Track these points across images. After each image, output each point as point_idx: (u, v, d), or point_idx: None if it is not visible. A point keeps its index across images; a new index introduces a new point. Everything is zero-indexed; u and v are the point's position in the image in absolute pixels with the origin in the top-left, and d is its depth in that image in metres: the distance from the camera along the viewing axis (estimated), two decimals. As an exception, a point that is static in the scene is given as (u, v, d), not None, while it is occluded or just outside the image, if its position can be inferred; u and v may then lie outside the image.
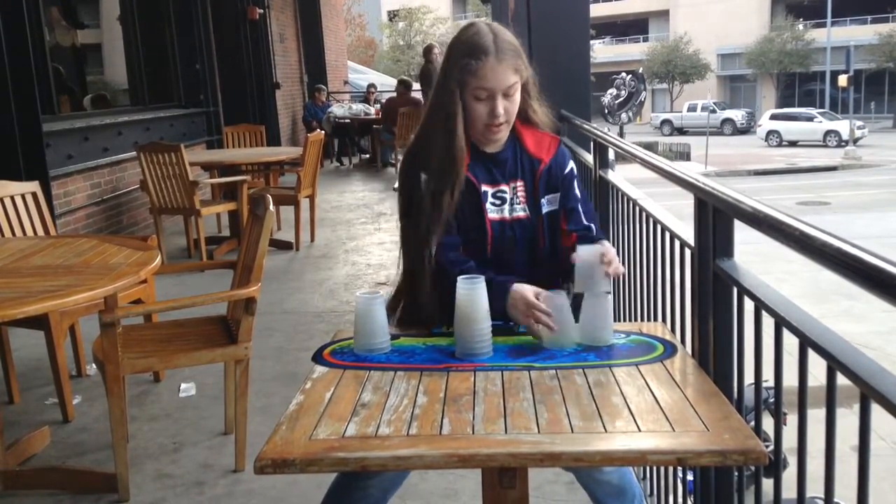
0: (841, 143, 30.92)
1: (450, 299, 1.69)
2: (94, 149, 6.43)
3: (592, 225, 1.97)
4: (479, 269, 1.82)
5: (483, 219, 1.90)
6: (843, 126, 31.94)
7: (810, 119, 34.06)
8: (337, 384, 1.53)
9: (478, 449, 1.27)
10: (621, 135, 24.15)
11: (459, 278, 1.67)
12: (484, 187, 1.91)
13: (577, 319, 1.71)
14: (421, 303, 1.86)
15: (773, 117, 35.00)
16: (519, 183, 1.93)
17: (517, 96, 1.86)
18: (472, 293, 1.64)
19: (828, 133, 32.78)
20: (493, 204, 1.91)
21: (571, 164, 1.99)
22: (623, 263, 2.79)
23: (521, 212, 1.93)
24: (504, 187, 1.92)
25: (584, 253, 1.73)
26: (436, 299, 1.83)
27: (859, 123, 32.45)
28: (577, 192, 1.97)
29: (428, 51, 11.29)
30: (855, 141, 29.66)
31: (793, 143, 32.97)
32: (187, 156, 5.80)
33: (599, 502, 1.97)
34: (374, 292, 1.71)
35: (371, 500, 1.85)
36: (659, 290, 2.21)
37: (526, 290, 1.74)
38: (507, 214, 1.92)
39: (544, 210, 1.93)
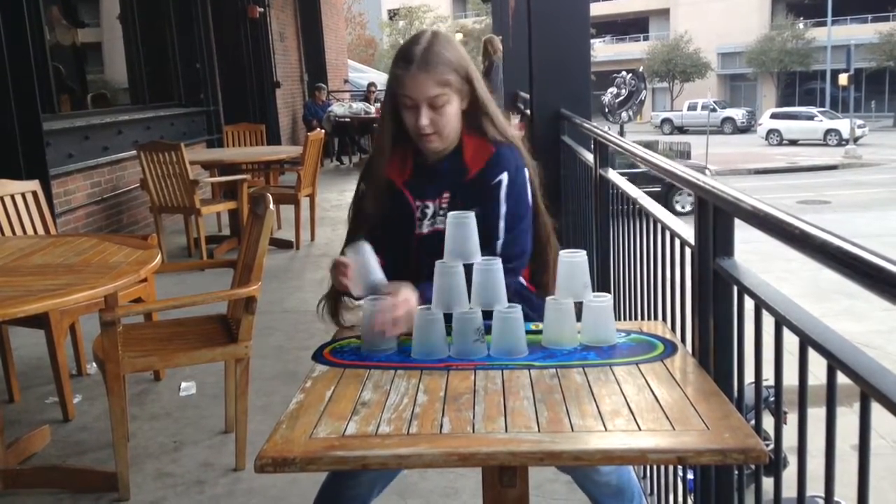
0: (841, 142, 30.91)
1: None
2: (95, 148, 6.43)
3: (499, 241, 1.85)
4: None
5: (413, 232, 1.91)
6: (843, 125, 31.93)
7: (811, 118, 34.04)
8: (337, 383, 1.53)
9: (478, 448, 1.27)
10: (622, 133, 24.15)
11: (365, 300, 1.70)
12: (417, 202, 1.92)
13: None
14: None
15: (774, 116, 34.99)
16: (446, 195, 1.90)
17: (449, 108, 1.83)
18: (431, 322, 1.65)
19: (828, 132, 32.77)
20: (418, 220, 1.92)
21: (502, 177, 1.86)
22: (623, 262, 2.80)
23: (440, 224, 1.87)
24: (429, 202, 1.91)
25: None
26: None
27: (860, 122, 32.44)
28: (501, 206, 1.86)
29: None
30: (855, 140, 29.65)
31: (793, 142, 32.96)
32: (187, 155, 5.80)
33: (596, 501, 1.97)
34: (381, 296, 1.70)
35: (360, 496, 1.85)
36: (659, 288, 2.21)
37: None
38: (424, 229, 1.91)
39: None
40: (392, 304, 1.67)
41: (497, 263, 1.68)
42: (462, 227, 1.71)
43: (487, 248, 1.81)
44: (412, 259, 1.91)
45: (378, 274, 1.77)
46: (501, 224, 1.88)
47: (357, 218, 1.99)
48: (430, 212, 1.91)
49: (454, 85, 1.83)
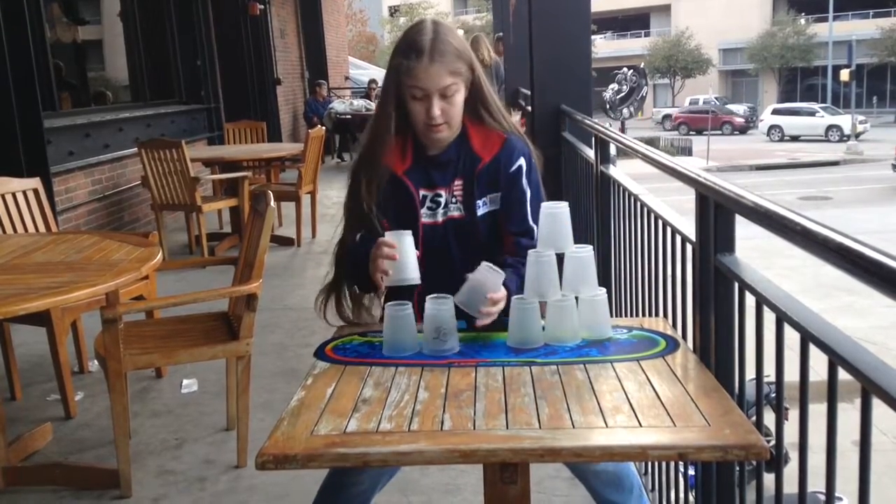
0: (843, 138, 30.87)
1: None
2: (95, 145, 6.43)
3: (535, 227, 1.87)
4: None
5: (416, 222, 1.88)
6: (844, 121, 31.90)
7: (812, 114, 34.00)
8: (338, 380, 1.53)
9: (479, 444, 1.27)
10: (623, 130, 24.12)
11: (387, 305, 1.69)
12: (422, 191, 1.90)
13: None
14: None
15: (775, 112, 34.95)
16: (458, 182, 1.90)
17: (457, 98, 1.83)
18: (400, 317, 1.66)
19: (830, 128, 32.73)
20: (428, 208, 1.90)
21: (520, 162, 1.90)
22: (624, 259, 2.80)
23: (455, 212, 1.89)
24: (441, 191, 1.90)
25: (479, 276, 1.69)
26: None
27: (861, 118, 32.39)
28: (525, 190, 1.90)
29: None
30: (857, 135, 29.61)
31: (794, 138, 32.91)
32: (188, 152, 5.80)
33: (596, 492, 1.97)
34: (404, 303, 1.68)
35: (362, 493, 1.86)
36: (660, 285, 2.21)
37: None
38: (439, 218, 1.90)
39: (480, 211, 1.89)
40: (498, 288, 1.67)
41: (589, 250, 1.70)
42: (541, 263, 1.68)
43: (524, 234, 1.87)
44: (421, 248, 1.87)
45: (415, 271, 1.74)
46: (528, 210, 1.90)
47: (353, 213, 1.94)
48: (442, 200, 1.90)
49: (463, 74, 1.83)
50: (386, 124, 1.87)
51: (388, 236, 1.75)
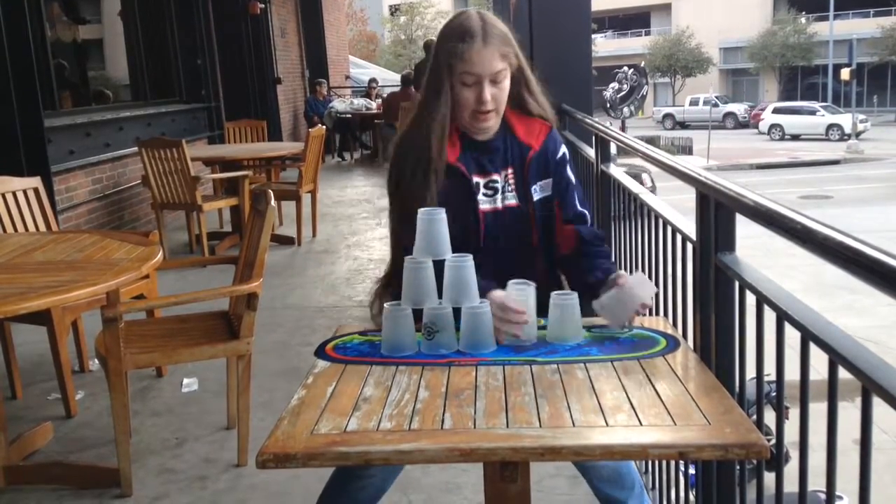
0: (843, 137, 30.85)
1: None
2: (96, 144, 6.43)
3: (586, 211, 1.95)
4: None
5: (475, 210, 1.87)
6: (845, 120, 31.88)
7: (813, 113, 33.99)
8: (339, 379, 1.53)
9: (479, 443, 1.27)
10: (623, 129, 24.11)
11: (386, 305, 1.64)
12: (475, 178, 1.89)
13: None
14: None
15: (776, 111, 34.93)
16: (510, 171, 1.90)
17: (506, 84, 1.84)
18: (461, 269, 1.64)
19: (830, 127, 32.70)
20: (485, 195, 1.89)
21: (564, 150, 1.96)
22: (625, 258, 2.80)
23: (511, 200, 1.91)
24: (496, 177, 1.90)
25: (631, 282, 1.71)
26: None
27: (862, 117, 32.37)
28: (571, 176, 1.95)
29: (428, 46, 11.30)
30: (858, 134, 29.59)
31: (795, 137, 32.90)
32: (189, 151, 5.80)
33: (597, 489, 1.98)
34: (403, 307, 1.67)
35: (370, 491, 1.86)
36: (661, 284, 2.21)
37: (498, 295, 1.68)
38: (499, 204, 1.90)
39: (535, 197, 1.90)
40: (504, 306, 1.64)
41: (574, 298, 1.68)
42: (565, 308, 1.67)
43: (579, 220, 1.91)
44: (474, 237, 1.86)
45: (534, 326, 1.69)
46: (576, 195, 1.94)
47: (404, 212, 1.82)
48: (499, 186, 1.90)
49: (511, 59, 1.83)
50: (440, 114, 1.82)
51: (511, 298, 1.66)
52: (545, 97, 1.96)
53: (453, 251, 1.70)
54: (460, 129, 1.89)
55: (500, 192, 1.90)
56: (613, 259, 3.06)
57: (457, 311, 1.64)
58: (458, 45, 1.78)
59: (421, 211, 1.68)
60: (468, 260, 1.64)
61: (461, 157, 1.87)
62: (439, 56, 1.83)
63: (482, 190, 1.89)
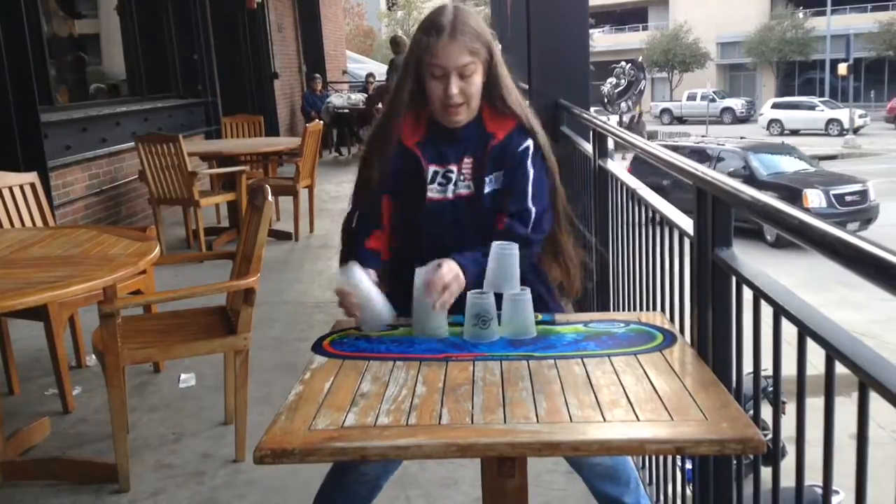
0: (843, 132, 30.82)
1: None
2: (93, 139, 6.42)
3: (533, 209, 1.89)
4: (412, 250, 1.86)
5: (423, 197, 1.89)
6: (845, 115, 31.83)
7: (812, 108, 33.96)
8: (336, 374, 1.53)
9: (477, 438, 1.27)
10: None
11: (417, 269, 1.71)
12: (432, 167, 1.90)
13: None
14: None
15: (775, 106, 34.89)
16: (468, 160, 1.90)
17: (476, 78, 1.84)
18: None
19: (830, 122, 32.66)
20: (439, 184, 1.90)
21: (529, 143, 1.91)
22: (622, 253, 2.80)
23: (464, 189, 1.90)
24: (452, 167, 1.90)
25: (421, 272, 1.72)
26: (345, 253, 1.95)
27: (861, 112, 32.35)
28: (530, 169, 1.90)
29: (394, 41, 11.39)
30: (856, 130, 29.57)
31: (794, 132, 32.86)
32: (186, 146, 5.79)
33: (592, 486, 1.98)
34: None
35: (366, 485, 1.87)
36: (658, 279, 2.21)
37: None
38: (449, 194, 1.90)
39: (486, 189, 1.89)
40: (440, 273, 1.69)
41: (514, 248, 1.71)
42: (505, 258, 1.71)
43: (519, 217, 1.87)
44: (422, 223, 1.90)
45: (381, 303, 1.74)
46: (530, 189, 1.90)
47: (360, 186, 1.96)
48: (453, 176, 1.90)
49: (481, 54, 1.84)
50: (401, 99, 1.88)
51: (343, 281, 1.75)
52: (517, 94, 1.95)
53: (401, 235, 1.86)
54: (431, 115, 1.91)
55: (453, 182, 1.90)
56: (611, 254, 3.06)
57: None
58: (426, 38, 1.82)
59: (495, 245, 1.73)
60: (514, 248, 1.71)
61: (422, 142, 1.90)
62: (412, 47, 1.89)
63: (437, 179, 1.90)
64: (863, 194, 14.43)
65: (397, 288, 1.82)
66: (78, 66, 7.72)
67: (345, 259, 1.92)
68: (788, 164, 15.92)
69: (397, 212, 1.92)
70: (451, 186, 1.90)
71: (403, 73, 1.89)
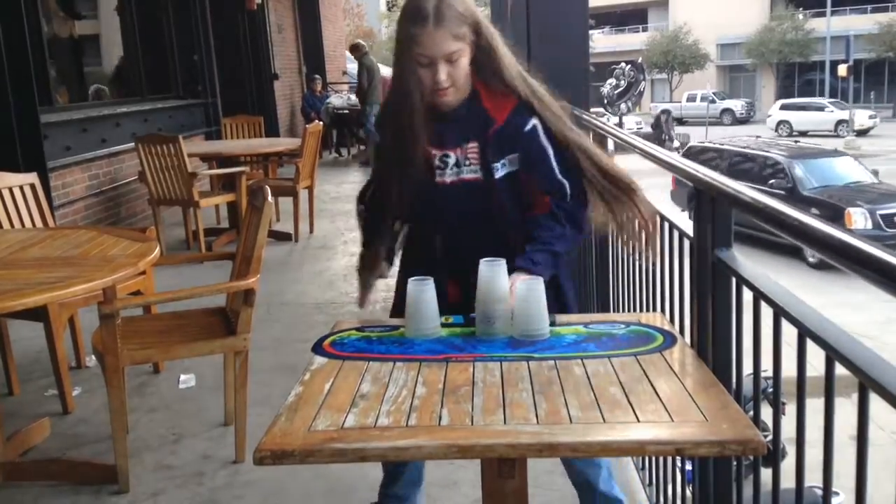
0: (855, 133, 30.68)
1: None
2: (93, 140, 6.42)
3: (566, 182, 1.90)
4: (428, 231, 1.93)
5: (432, 182, 1.91)
6: (855, 115, 31.74)
7: (821, 109, 33.89)
8: (336, 375, 1.53)
9: (477, 440, 1.27)
10: (621, 125, 24.11)
11: (410, 280, 1.70)
12: (434, 151, 1.91)
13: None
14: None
15: (784, 107, 34.78)
16: (472, 144, 1.90)
17: (463, 61, 1.84)
18: (421, 293, 1.68)
19: (839, 123, 32.50)
20: (437, 168, 1.91)
21: (534, 122, 1.89)
22: (622, 254, 2.80)
23: (470, 174, 1.90)
24: (450, 151, 1.91)
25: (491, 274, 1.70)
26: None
27: (871, 113, 32.31)
28: (546, 145, 1.89)
29: (355, 47, 11.47)
30: (865, 131, 29.43)
31: (803, 134, 32.69)
32: (185, 147, 5.79)
33: (566, 462, 2.08)
34: (425, 279, 1.70)
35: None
36: (658, 280, 2.21)
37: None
38: (447, 178, 1.91)
39: (498, 174, 1.89)
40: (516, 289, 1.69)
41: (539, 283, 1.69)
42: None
43: (558, 194, 1.89)
44: (434, 208, 1.93)
45: (436, 318, 1.71)
46: (554, 165, 1.90)
47: (376, 180, 2.01)
48: (451, 161, 1.90)
49: (467, 37, 1.83)
50: (415, 91, 1.85)
51: (413, 287, 1.70)
52: (517, 69, 1.92)
53: (410, 222, 1.96)
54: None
55: (451, 166, 1.91)
56: (611, 255, 3.06)
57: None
58: (410, 28, 1.81)
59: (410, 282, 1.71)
60: (540, 283, 1.68)
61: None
62: (397, 37, 1.88)
63: (435, 163, 1.91)
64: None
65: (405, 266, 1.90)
66: (78, 66, 7.72)
67: (368, 236, 2.01)
68: (842, 172, 13.78)
69: (410, 201, 1.95)
70: (448, 171, 1.91)
71: (402, 64, 1.88)
